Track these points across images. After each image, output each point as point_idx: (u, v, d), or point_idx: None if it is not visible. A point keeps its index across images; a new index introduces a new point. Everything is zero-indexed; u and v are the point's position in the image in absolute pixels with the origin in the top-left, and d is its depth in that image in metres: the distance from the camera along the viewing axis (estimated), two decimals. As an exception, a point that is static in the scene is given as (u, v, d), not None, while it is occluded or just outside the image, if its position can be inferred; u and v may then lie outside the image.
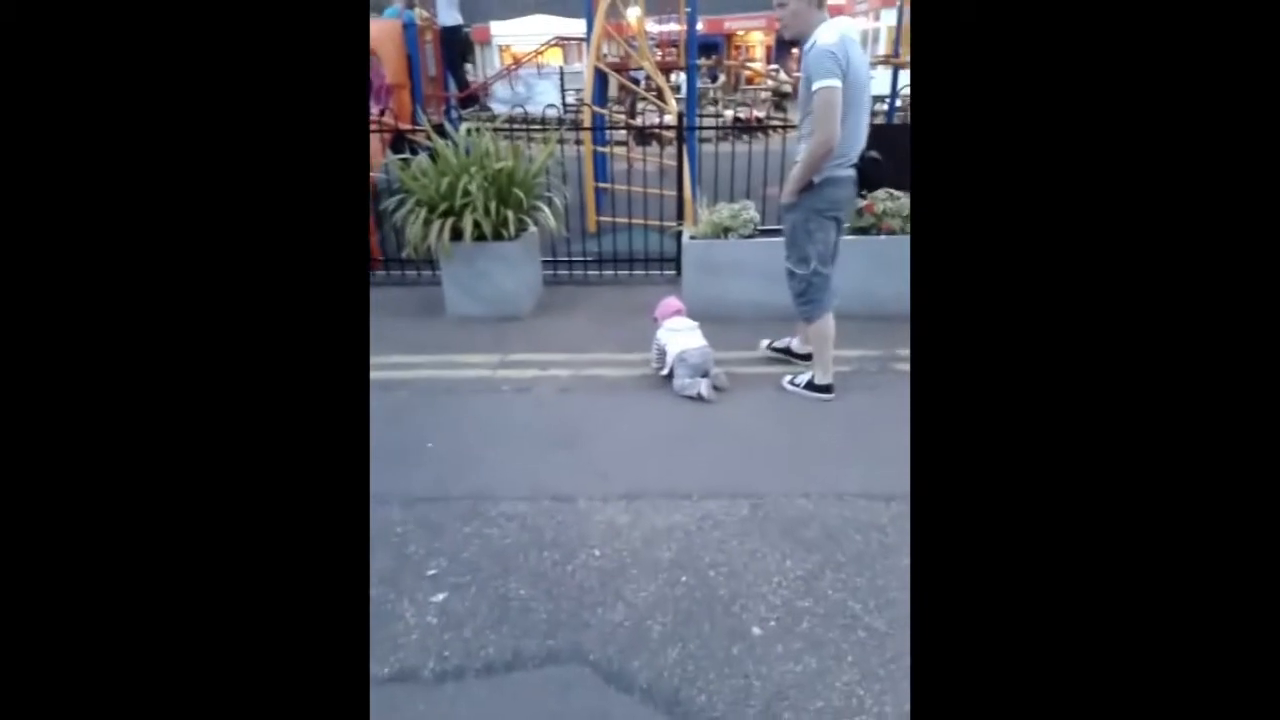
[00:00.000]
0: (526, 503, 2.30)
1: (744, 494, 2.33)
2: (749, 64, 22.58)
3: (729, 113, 10.77)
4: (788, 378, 3.20)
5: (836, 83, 2.57)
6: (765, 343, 3.52)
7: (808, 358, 3.33)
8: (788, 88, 18.40)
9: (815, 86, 2.61)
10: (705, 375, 3.11)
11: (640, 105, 8.78)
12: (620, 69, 6.93)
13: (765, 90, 19.26)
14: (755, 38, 26.99)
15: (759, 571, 1.98)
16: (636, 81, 7.30)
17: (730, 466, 2.52)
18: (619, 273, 4.84)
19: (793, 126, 3.95)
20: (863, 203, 3.95)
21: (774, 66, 21.46)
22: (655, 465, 2.53)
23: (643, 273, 4.83)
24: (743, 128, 8.65)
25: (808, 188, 2.79)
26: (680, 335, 3.24)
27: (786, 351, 3.44)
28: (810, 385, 3.12)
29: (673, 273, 4.82)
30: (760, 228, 3.97)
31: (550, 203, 4.18)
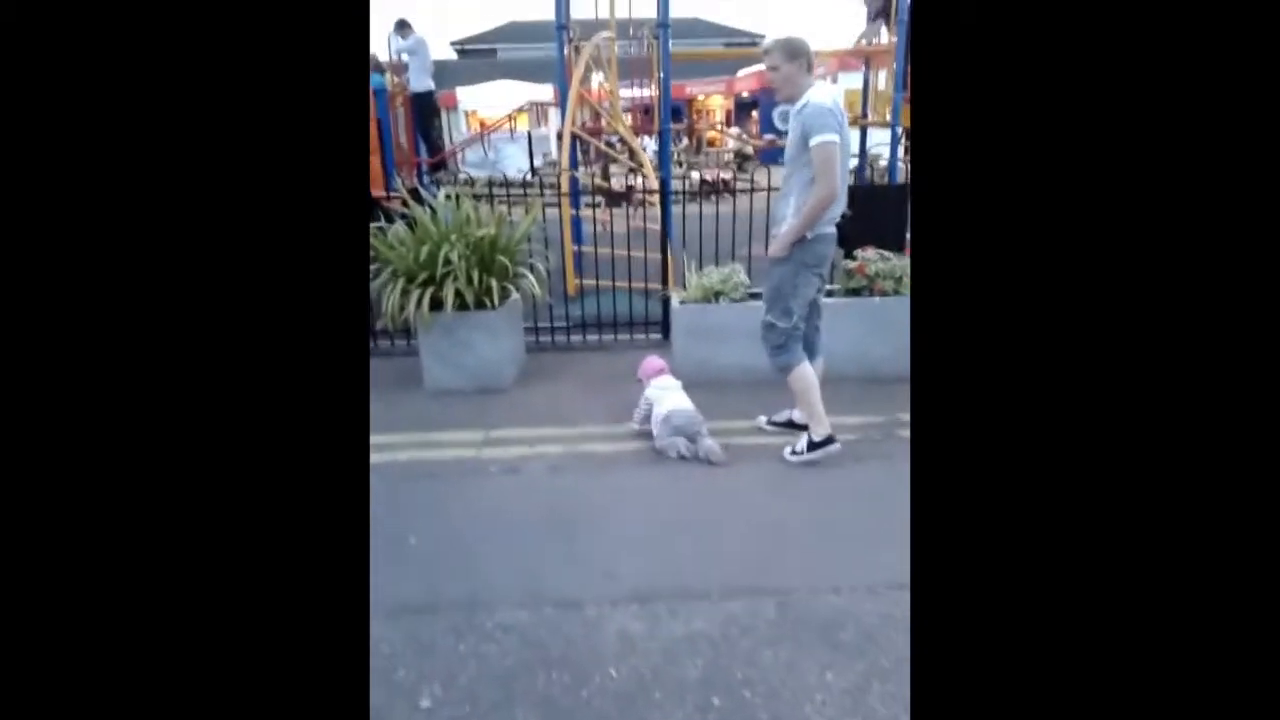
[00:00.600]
0: (527, 611, 2.04)
1: (768, 590, 2.11)
2: (715, 127, 23.23)
3: (695, 174, 10.93)
4: (788, 449, 3.05)
5: (836, 137, 2.63)
6: (763, 419, 3.36)
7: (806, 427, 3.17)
8: (749, 149, 18.92)
9: (815, 141, 2.62)
10: (688, 438, 3.03)
11: (612, 168, 8.80)
12: (593, 133, 6.92)
13: (728, 152, 19.76)
14: (715, 102, 27.82)
15: (798, 687, 1.75)
16: (611, 145, 7.29)
17: (747, 556, 2.30)
18: (603, 338, 4.67)
19: (762, 189, 3.96)
20: (854, 264, 3.88)
21: (735, 129, 22.06)
22: (665, 557, 2.30)
23: (628, 337, 4.66)
24: (721, 190, 8.70)
25: (799, 242, 2.76)
26: (669, 395, 3.18)
27: (789, 425, 3.27)
28: (811, 445, 2.99)
29: (658, 336, 4.67)
30: (749, 290, 3.86)
31: (533, 268, 4.02)
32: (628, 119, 7.97)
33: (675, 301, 3.87)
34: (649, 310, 4.79)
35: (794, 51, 2.70)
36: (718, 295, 3.77)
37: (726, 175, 13.72)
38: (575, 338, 4.66)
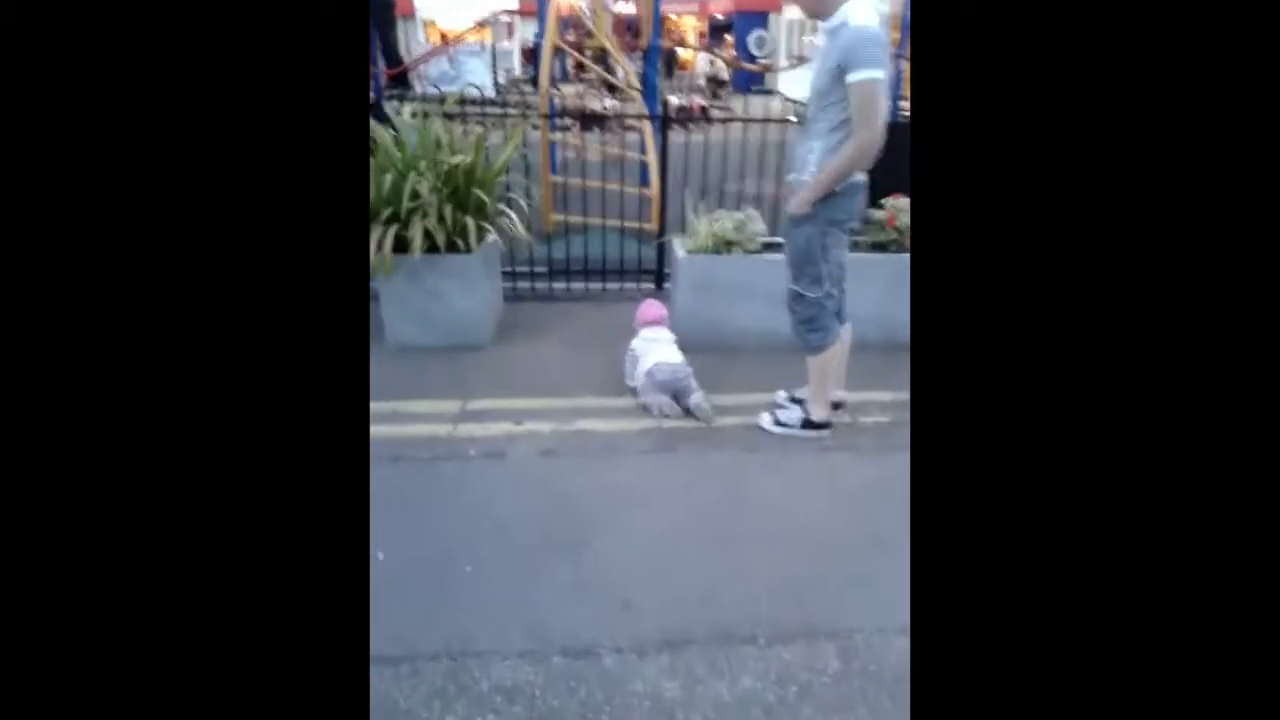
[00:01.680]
0: (530, 663, 1.61)
1: (825, 631, 1.72)
2: (710, 49, 22.12)
3: (672, 99, 10.19)
4: (767, 416, 2.71)
5: (881, 74, 2.10)
6: (782, 394, 2.92)
7: (841, 406, 2.77)
8: (724, 75, 17.99)
9: (856, 78, 2.09)
10: (673, 395, 2.77)
11: (586, 89, 8.04)
12: (577, 48, 6.18)
13: (700, 77, 18.77)
14: (688, 23, 26.41)
15: (888, 782, 1.37)
16: (603, 62, 6.58)
17: (792, 579, 1.90)
18: (590, 286, 4.14)
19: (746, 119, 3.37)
20: (883, 214, 3.41)
21: (705, 54, 20.93)
22: (692, 581, 1.89)
23: (617, 286, 4.14)
24: (699, 118, 8.04)
25: (826, 197, 2.27)
26: (656, 347, 2.85)
27: (838, 406, 2.83)
28: (806, 424, 2.64)
29: (651, 286, 4.16)
30: (765, 240, 3.37)
31: (512, 203, 3.46)
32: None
33: (679, 250, 3.36)
34: (641, 255, 4.25)
35: None
36: (730, 245, 3.28)
37: (702, 101, 12.95)
38: (558, 285, 4.12)
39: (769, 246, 3.38)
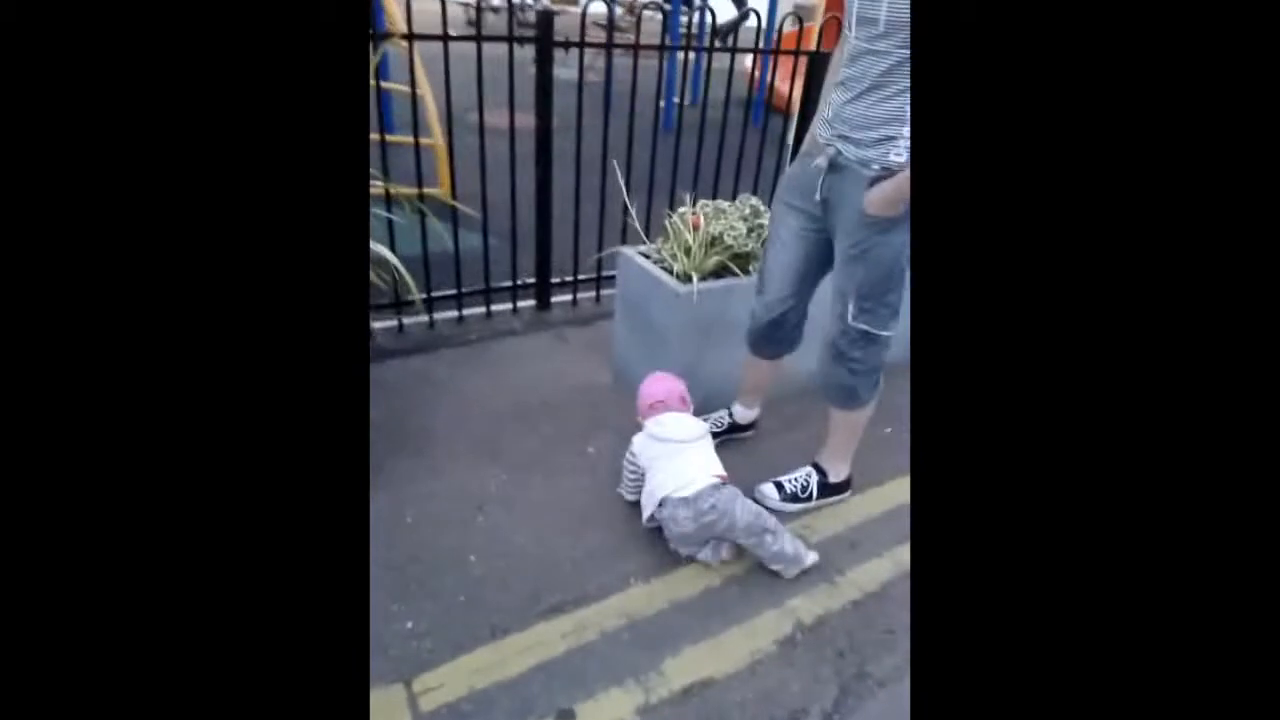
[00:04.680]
0: None
1: None
2: None
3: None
4: (770, 491, 1.87)
5: None
6: (725, 415, 2.10)
7: (751, 427, 2.09)
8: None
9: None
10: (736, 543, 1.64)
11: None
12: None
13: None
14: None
15: None
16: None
17: None
18: (439, 318, 2.52)
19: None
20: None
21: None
22: None
23: (481, 311, 2.60)
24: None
25: None
26: (676, 460, 1.64)
27: (734, 429, 2.09)
28: (826, 488, 1.90)
29: (531, 305, 2.70)
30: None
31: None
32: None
33: (660, 274, 2.01)
34: (516, 258, 2.69)
35: None
36: (741, 259, 2.04)
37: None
38: (382, 323, 2.43)
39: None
